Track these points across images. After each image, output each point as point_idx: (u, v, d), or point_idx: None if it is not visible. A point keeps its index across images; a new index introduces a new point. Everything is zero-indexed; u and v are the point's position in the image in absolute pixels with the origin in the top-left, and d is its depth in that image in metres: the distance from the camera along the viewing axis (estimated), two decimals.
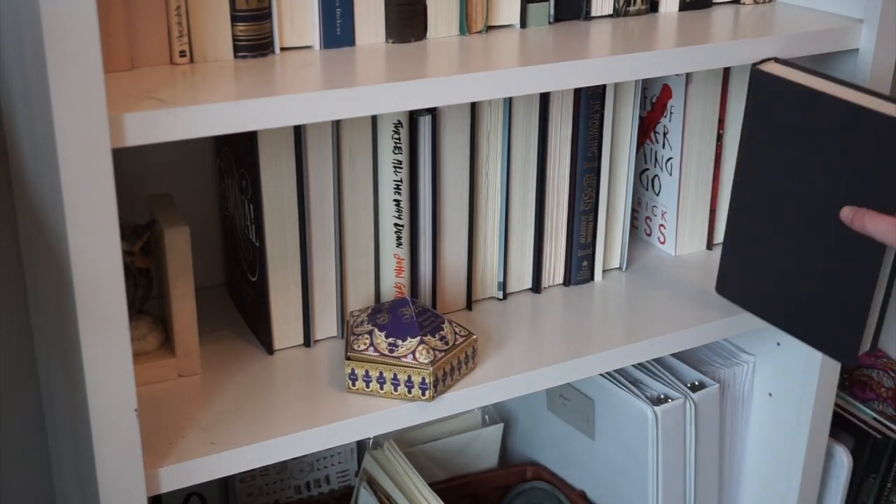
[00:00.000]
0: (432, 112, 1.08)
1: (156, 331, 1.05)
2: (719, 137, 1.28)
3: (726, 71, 1.25)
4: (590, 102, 1.17)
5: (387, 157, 1.08)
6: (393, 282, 1.13)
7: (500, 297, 1.21)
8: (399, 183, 1.09)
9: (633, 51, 1.01)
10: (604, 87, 1.17)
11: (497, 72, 0.94)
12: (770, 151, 1.06)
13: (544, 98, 1.15)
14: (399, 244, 1.11)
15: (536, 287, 1.23)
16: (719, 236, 1.35)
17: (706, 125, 1.26)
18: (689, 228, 1.31)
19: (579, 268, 1.24)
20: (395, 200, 1.09)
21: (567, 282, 1.25)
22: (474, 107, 1.11)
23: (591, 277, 1.26)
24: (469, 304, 1.19)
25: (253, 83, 0.89)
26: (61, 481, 1.19)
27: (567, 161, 1.19)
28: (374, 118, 1.06)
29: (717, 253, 1.33)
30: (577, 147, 1.19)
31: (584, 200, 1.21)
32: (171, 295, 1.01)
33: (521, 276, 1.22)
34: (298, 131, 1.03)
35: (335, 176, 1.06)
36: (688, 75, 1.23)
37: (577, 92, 1.16)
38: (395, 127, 1.06)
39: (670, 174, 1.29)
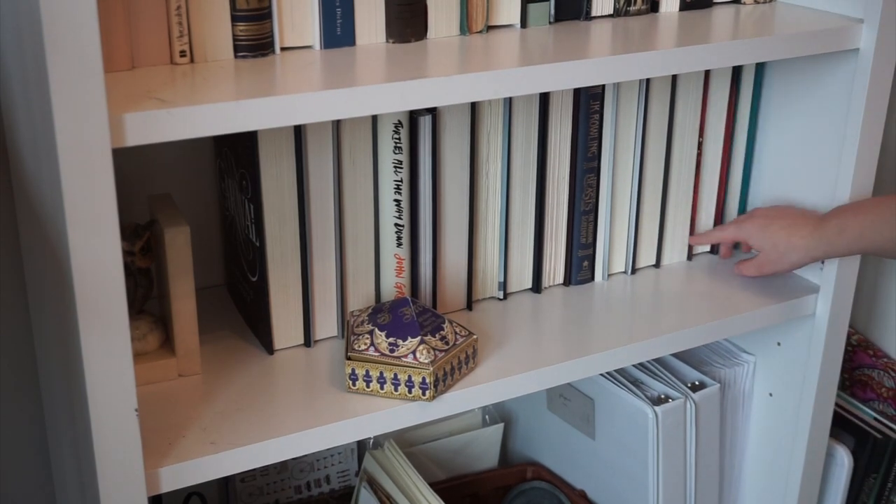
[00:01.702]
0: (432, 112, 1.08)
1: (156, 331, 1.05)
2: (699, 146, 1.28)
3: (707, 75, 1.25)
4: (589, 102, 1.17)
5: (387, 156, 1.08)
6: (393, 282, 1.13)
7: (501, 296, 1.21)
8: (399, 183, 1.09)
9: (633, 51, 1.01)
10: (603, 86, 1.17)
11: (497, 72, 0.94)
12: None
13: (544, 98, 1.15)
14: (399, 244, 1.11)
15: (537, 287, 1.23)
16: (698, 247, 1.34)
17: (686, 133, 1.26)
18: (668, 237, 1.31)
19: (580, 268, 1.24)
20: (395, 200, 1.09)
21: (567, 282, 1.25)
22: (474, 107, 1.11)
23: (592, 278, 1.26)
24: (469, 304, 1.19)
25: (253, 83, 0.89)
26: (61, 481, 1.19)
27: (567, 161, 1.19)
28: (374, 118, 1.06)
29: (699, 261, 1.33)
30: (577, 147, 1.19)
31: (585, 200, 1.21)
32: (171, 295, 1.01)
33: (522, 276, 1.22)
34: (298, 131, 1.03)
35: (335, 176, 1.06)
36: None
37: (577, 92, 1.16)
38: (396, 127, 1.06)
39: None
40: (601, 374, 1.27)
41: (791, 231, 1.17)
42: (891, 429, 1.43)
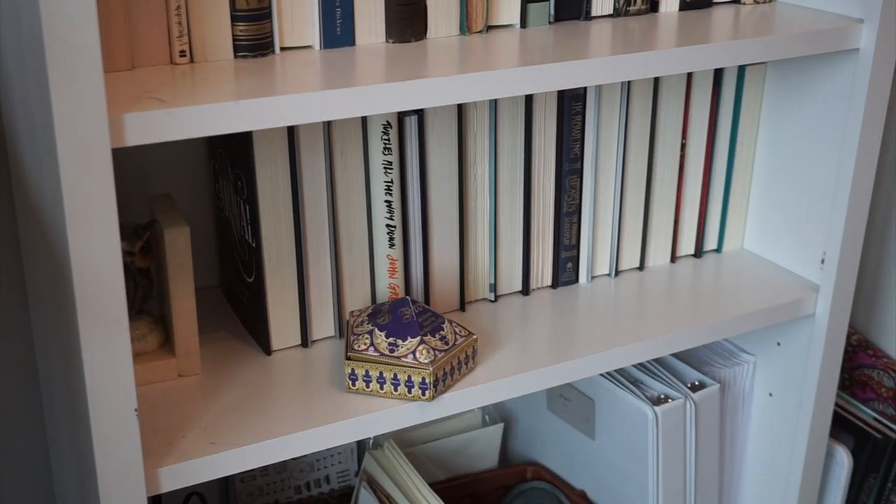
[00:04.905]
0: (419, 112, 1.08)
1: (156, 331, 1.05)
2: (682, 147, 1.28)
3: (689, 78, 1.25)
4: (571, 103, 1.17)
5: (377, 158, 1.07)
6: (387, 282, 1.13)
7: (492, 298, 1.21)
8: (390, 184, 1.09)
9: (634, 51, 1.01)
10: (585, 87, 1.17)
11: (497, 72, 0.94)
12: None
13: (529, 98, 1.15)
14: (392, 245, 1.11)
15: (525, 289, 1.22)
16: (684, 248, 1.33)
17: (669, 135, 1.25)
18: (652, 240, 1.30)
19: (564, 269, 1.24)
20: (386, 201, 1.09)
21: (555, 284, 1.24)
22: (461, 107, 1.11)
23: (577, 279, 1.25)
24: (462, 306, 1.19)
25: (253, 83, 0.89)
26: (61, 481, 1.19)
27: (552, 162, 1.19)
28: (363, 119, 1.06)
29: (683, 264, 1.32)
30: (562, 148, 1.18)
31: (568, 202, 1.21)
32: (171, 295, 1.01)
33: (511, 277, 1.22)
34: (291, 132, 1.03)
35: (328, 177, 1.06)
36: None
37: (560, 92, 1.16)
38: (385, 128, 1.06)
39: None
40: (601, 375, 1.27)
41: None
42: (891, 429, 1.43)
